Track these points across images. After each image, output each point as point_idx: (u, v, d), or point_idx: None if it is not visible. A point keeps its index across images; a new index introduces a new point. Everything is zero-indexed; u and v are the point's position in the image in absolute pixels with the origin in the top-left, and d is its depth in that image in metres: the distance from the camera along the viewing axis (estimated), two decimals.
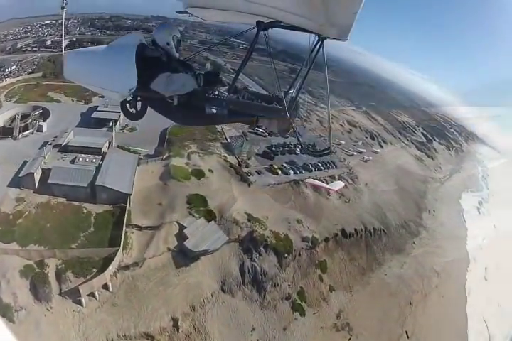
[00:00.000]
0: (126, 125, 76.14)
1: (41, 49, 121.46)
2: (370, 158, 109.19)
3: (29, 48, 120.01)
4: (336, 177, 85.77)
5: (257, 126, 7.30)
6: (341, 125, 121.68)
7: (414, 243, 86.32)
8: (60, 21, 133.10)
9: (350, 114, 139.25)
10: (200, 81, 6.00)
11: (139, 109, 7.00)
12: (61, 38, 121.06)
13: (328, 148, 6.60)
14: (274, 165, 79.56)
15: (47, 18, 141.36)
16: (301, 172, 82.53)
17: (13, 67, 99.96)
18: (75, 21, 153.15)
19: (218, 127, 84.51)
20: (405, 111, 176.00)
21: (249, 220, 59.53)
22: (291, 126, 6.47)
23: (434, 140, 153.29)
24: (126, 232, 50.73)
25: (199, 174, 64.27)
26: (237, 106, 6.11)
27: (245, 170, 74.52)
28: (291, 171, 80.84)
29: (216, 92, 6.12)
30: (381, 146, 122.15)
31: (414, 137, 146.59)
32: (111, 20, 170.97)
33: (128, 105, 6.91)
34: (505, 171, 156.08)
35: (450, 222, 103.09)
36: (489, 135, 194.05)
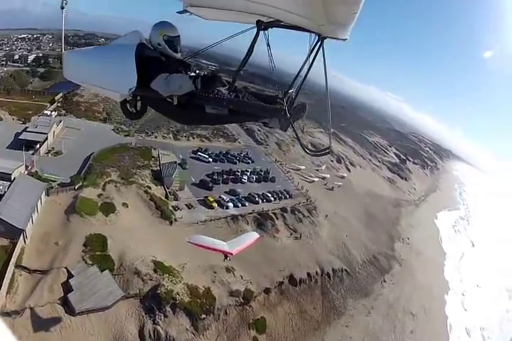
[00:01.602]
0: (53, 148, 68.82)
1: (8, 63, 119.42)
2: (340, 184, 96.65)
3: None
4: (288, 209, 72.29)
5: (264, 123, 6.37)
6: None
7: (384, 281, 72.87)
8: (35, 35, 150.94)
9: (317, 136, 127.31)
10: (197, 83, 5.52)
11: (138, 108, 6.46)
12: (29, 52, 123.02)
13: (329, 147, 5.99)
14: (210, 198, 67.26)
15: (25, 31, 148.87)
16: (243, 206, 70.25)
17: None
18: (50, 37, 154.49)
19: (154, 153, 75.41)
20: (377, 131, 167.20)
21: (155, 271, 47.28)
22: (292, 126, 5.95)
23: (408, 160, 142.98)
24: (14, 273, 42.43)
25: (108, 209, 54.03)
26: (238, 105, 5.71)
27: (173, 203, 62.84)
28: (231, 204, 68.50)
29: (216, 92, 5.66)
30: (348, 170, 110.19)
31: (386, 158, 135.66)
32: (84, 37, 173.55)
33: (128, 105, 6.37)
34: (481, 185, 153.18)
35: (427, 249, 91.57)
36: (465, 151, 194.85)
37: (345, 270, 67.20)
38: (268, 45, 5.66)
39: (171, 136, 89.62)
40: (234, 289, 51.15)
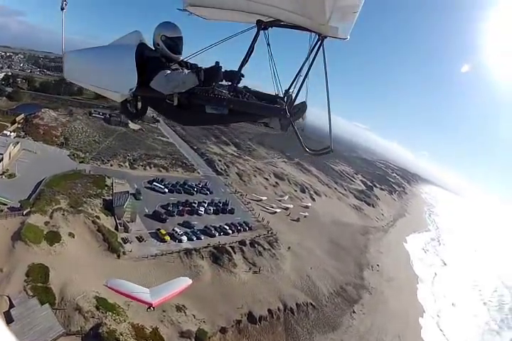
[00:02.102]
0: (7, 170, 66.03)
1: None
2: (306, 214, 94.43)
3: None
4: (247, 242, 69.21)
5: (264, 124, 6.61)
6: (266, 178, 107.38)
7: (353, 312, 69.39)
8: (8, 54, 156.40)
9: (280, 166, 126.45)
10: (201, 76, 5.38)
11: (139, 108, 6.57)
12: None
13: (329, 146, 5.71)
14: (162, 230, 63.97)
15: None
16: (198, 239, 66.90)
17: None
18: (22, 57, 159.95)
19: (108, 182, 73.03)
20: (343, 160, 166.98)
21: (98, 308, 42.95)
22: (292, 125, 5.76)
23: (375, 186, 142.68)
24: None
25: (54, 238, 50.85)
26: (238, 105, 5.61)
27: (123, 235, 59.45)
28: (185, 237, 64.98)
29: (216, 92, 5.59)
30: (313, 199, 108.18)
31: (353, 186, 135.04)
32: (54, 60, 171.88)
33: (128, 105, 6.48)
34: (451, 205, 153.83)
35: (398, 274, 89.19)
36: (433, 174, 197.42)
37: (311, 303, 63.89)
38: (268, 44, 5.70)
39: (127, 164, 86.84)
40: (185, 329, 47.09)
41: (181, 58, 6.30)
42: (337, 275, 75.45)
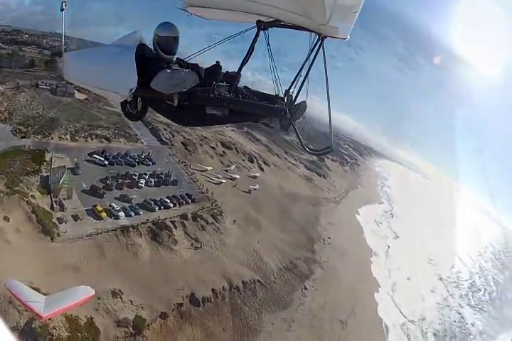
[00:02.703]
0: None
1: None
2: (256, 186, 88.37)
3: None
4: (189, 216, 62.22)
5: (265, 124, 7.00)
6: (213, 147, 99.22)
7: (305, 288, 64.87)
8: None
9: (228, 134, 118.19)
10: (201, 73, 5.73)
11: (139, 109, 6.61)
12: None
13: (329, 146, 6.33)
14: (98, 207, 59.35)
15: None
16: (137, 214, 61.74)
17: None
18: None
19: (47, 157, 67.01)
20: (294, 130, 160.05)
21: None
22: (293, 125, 6.26)
23: (326, 157, 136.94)
24: None
25: None
26: (238, 106, 5.82)
27: (58, 214, 55.04)
28: (122, 213, 60.27)
29: (216, 92, 5.76)
30: (261, 169, 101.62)
31: (303, 156, 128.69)
32: (11, 33, 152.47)
33: (128, 106, 6.57)
34: (402, 179, 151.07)
35: (351, 247, 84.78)
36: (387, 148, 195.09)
37: (258, 281, 59.08)
38: (268, 44, 5.87)
39: (68, 136, 77.79)
40: (121, 318, 44.02)
41: (174, 59, 6.13)
42: (286, 250, 70.48)
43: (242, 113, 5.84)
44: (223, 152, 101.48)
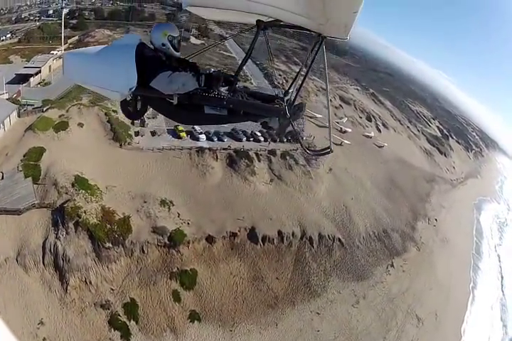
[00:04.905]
0: (43, 80, 69.02)
1: (42, 18, 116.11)
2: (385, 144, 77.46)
3: (32, 18, 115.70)
4: (279, 153, 51.42)
5: (264, 123, 5.94)
6: (329, 100, 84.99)
7: (391, 266, 51.12)
8: None
9: (351, 92, 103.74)
10: (201, 81, 5.25)
11: (139, 108, 6.08)
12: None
13: (329, 147, 5.47)
14: (180, 127, 54.46)
15: None
16: (220, 140, 54.50)
17: (8, 35, 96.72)
18: None
19: None
20: (424, 104, 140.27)
21: (73, 185, 41.16)
22: (292, 125, 5.63)
23: (451, 137, 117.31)
24: None
25: (60, 127, 49.46)
26: (237, 106, 5.38)
27: (138, 129, 53.03)
28: (203, 136, 54.45)
29: (216, 92, 5.39)
30: (379, 130, 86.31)
31: (428, 130, 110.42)
32: None
33: (128, 105, 6.09)
34: None
35: (456, 238, 68.08)
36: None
37: (339, 239, 46.85)
38: (268, 44, 5.68)
39: None
40: (159, 225, 39.94)
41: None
42: (384, 217, 56.45)
43: (242, 113, 5.28)
44: (340, 105, 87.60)
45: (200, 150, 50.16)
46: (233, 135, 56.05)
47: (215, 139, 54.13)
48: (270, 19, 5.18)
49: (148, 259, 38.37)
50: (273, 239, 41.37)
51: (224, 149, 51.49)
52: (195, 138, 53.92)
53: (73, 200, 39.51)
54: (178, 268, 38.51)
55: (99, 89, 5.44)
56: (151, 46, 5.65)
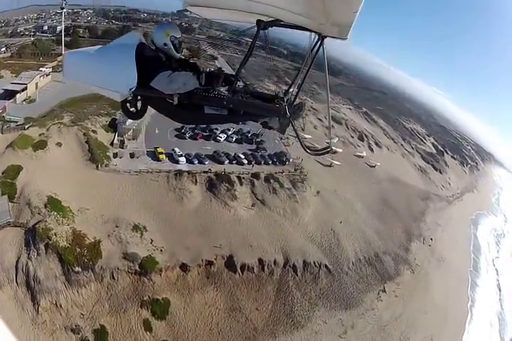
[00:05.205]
0: (29, 97, 68.65)
1: (37, 33, 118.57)
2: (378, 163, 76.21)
3: (27, 33, 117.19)
4: (262, 176, 50.24)
5: (264, 123, 5.96)
6: (320, 119, 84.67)
7: (383, 291, 49.00)
8: (75, 10, 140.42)
9: (343, 111, 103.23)
10: (202, 79, 5.12)
11: (139, 108, 6.04)
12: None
13: (329, 146, 5.80)
14: (159, 148, 54.22)
15: (68, 7, 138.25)
16: (201, 163, 53.28)
17: (3, 49, 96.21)
18: (90, 12, 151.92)
19: None
20: (418, 121, 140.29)
21: (45, 206, 41.00)
22: (292, 125, 5.69)
23: (447, 153, 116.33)
24: None
25: (39, 145, 50.34)
26: (238, 105, 5.40)
27: (117, 150, 52.84)
28: (183, 159, 53.19)
29: (216, 92, 5.36)
30: (371, 150, 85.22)
31: (422, 146, 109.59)
32: (126, 12, 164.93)
33: (128, 104, 6.00)
34: None
35: (453, 256, 66.26)
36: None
37: (326, 266, 44.96)
38: (268, 44, 5.68)
39: None
40: (130, 251, 38.95)
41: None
42: (375, 239, 54.92)
43: (242, 112, 5.32)
44: (331, 125, 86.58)
45: (179, 173, 49.04)
46: (215, 157, 55.19)
47: (196, 162, 53.16)
48: (270, 19, 5.16)
49: (119, 286, 37.27)
50: (253, 268, 39.92)
51: (204, 172, 50.68)
52: (174, 160, 52.70)
53: (45, 221, 39.22)
54: (149, 297, 37.25)
55: (100, 88, 5.41)
56: (153, 45, 5.61)
